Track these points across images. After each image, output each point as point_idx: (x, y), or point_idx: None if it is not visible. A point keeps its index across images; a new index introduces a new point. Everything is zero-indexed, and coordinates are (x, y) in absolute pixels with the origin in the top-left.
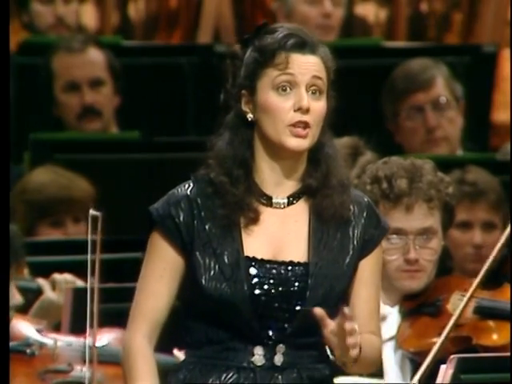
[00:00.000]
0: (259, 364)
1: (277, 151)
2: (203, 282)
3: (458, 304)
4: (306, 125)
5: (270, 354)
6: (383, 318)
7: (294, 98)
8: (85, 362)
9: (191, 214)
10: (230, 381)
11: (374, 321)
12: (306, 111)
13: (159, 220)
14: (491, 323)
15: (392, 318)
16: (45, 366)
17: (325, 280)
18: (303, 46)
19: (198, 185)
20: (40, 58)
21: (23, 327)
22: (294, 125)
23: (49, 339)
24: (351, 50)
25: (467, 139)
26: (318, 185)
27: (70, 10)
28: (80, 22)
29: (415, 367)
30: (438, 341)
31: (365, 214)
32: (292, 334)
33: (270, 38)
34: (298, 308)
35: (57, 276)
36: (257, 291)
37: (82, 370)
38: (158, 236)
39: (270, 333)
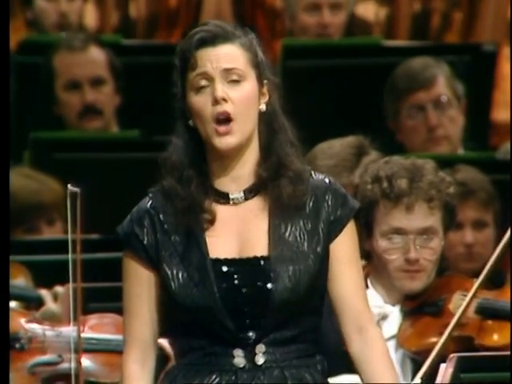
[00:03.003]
0: (241, 366)
1: (216, 151)
2: (174, 290)
3: (460, 304)
4: (227, 117)
5: (250, 355)
6: (384, 317)
7: (210, 92)
8: (74, 351)
9: (154, 229)
10: (214, 383)
11: (362, 299)
12: (224, 101)
13: (125, 240)
14: (493, 323)
15: (393, 317)
16: (34, 358)
17: (288, 271)
18: (212, 38)
19: (156, 198)
20: (40, 57)
21: (13, 319)
22: (217, 120)
23: (38, 329)
24: (351, 49)
25: (467, 138)
26: (268, 176)
27: (73, 8)
28: (81, 20)
29: (416, 366)
30: (440, 341)
31: (327, 197)
32: (268, 330)
33: (184, 42)
34: (266, 302)
35: (59, 288)
36: (226, 291)
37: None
38: (128, 256)
39: (248, 333)
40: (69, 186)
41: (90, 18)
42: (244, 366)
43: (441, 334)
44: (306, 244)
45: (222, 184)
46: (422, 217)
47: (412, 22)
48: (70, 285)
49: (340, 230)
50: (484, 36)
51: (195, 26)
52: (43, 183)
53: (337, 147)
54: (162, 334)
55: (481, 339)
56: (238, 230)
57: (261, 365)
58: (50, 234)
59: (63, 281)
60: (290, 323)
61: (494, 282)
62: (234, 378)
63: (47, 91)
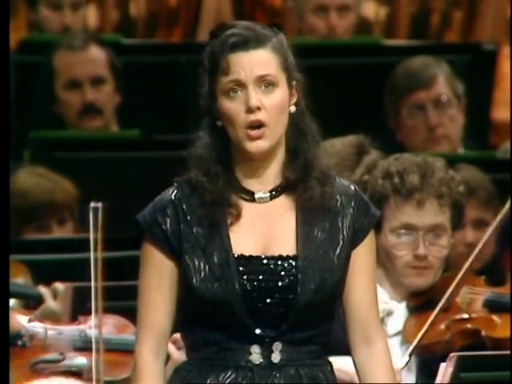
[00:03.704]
0: (257, 362)
1: (245, 154)
2: (195, 283)
3: (468, 298)
4: (260, 124)
5: (267, 352)
6: (390, 313)
7: (243, 98)
8: (76, 349)
9: (177, 219)
10: (228, 381)
11: (373, 311)
12: (258, 109)
13: (147, 228)
14: (500, 316)
15: (398, 313)
16: (36, 356)
17: (315, 273)
18: (244, 43)
19: (181, 189)
20: (40, 56)
21: (14, 317)
22: (249, 126)
23: (39, 328)
24: (351, 49)
25: (467, 137)
26: (296, 177)
27: (77, 18)
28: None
29: (420, 362)
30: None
31: (353, 204)
32: (287, 329)
33: (214, 43)
34: (290, 302)
35: (58, 285)
36: (248, 288)
37: (75, 358)
38: (149, 245)
39: (266, 330)
40: (91, 203)
41: (90, 17)
42: (260, 363)
43: (447, 328)
44: (331, 248)
45: (248, 183)
46: (433, 213)
47: (412, 21)
48: (92, 283)
49: (362, 239)
50: (484, 35)
51: (195, 25)
52: (56, 183)
53: (338, 146)
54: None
55: (488, 332)
56: (263, 228)
57: (276, 363)
58: (60, 233)
59: (63, 280)
60: (307, 325)
61: (494, 280)
62: (250, 374)
63: (47, 90)
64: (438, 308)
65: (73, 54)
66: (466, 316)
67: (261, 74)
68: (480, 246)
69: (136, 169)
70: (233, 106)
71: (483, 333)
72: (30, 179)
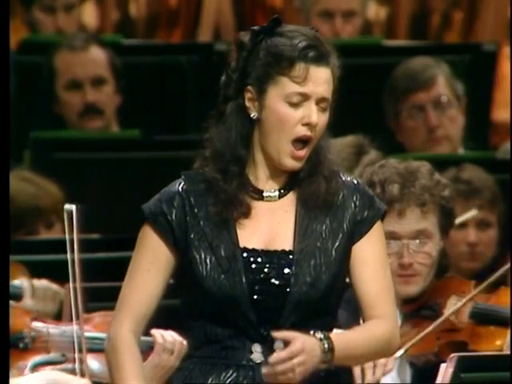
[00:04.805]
0: (258, 361)
1: (279, 165)
2: (201, 275)
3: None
4: (308, 140)
5: (268, 351)
6: None
7: (304, 111)
8: (78, 350)
9: (183, 211)
10: (229, 380)
11: (384, 301)
12: (314, 127)
13: (151, 217)
14: (487, 329)
15: None
16: (37, 357)
17: (311, 266)
18: (320, 58)
19: (189, 182)
20: (40, 57)
21: (17, 317)
22: (297, 139)
23: (42, 328)
24: (351, 49)
25: (467, 138)
26: (305, 175)
27: (70, 20)
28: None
29: (414, 370)
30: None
31: (355, 197)
32: (287, 327)
33: (288, 45)
34: (286, 295)
35: (36, 282)
36: (252, 282)
37: (76, 360)
38: (149, 231)
39: (267, 328)
40: (65, 205)
41: (90, 17)
42: (261, 362)
43: (437, 338)
44: (329, 241)
45: (259, 181)
46: (414, 221)
47: (412, 22)
48: (70, 285)
49: (366, 231)
50: (484, 35)
51: (196, 26)
52: (41, 187)
53: (337, 146)
54: (177, 324)
55: (475, 344)
56: (268, 224)
57: None
58: (49, 236)
59: (63, 281)
60: (307, 321)
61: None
62: (251, 373)
63: (48, 91)
64: (440, 320)
65: (73, 54)
66: (453, 327)
67: (324, 96)
68: (477, 291)
69: (136, 169)
70: (292, 114)
71: (470, 346)
72: (14, 184)
